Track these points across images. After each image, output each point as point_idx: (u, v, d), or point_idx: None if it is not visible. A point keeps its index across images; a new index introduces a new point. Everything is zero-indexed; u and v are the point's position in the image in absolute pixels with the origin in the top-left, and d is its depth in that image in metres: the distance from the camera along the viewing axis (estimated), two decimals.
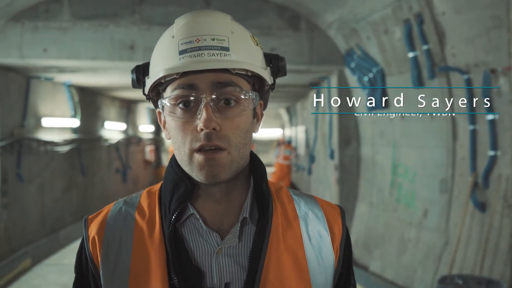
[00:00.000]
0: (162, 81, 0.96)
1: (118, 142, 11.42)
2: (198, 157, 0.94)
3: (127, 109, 12.43)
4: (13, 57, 5.88)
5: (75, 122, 8.58)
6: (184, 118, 0.95)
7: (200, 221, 1.00)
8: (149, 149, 14.42)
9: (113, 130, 11.11)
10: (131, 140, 12.73)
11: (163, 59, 0.97)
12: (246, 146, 1.00)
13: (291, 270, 0.99)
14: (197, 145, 0.94)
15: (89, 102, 9.53)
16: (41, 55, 5.93)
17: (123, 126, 11.89)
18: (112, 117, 11.13)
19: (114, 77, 7.63)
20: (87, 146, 9.39)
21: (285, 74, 1.07)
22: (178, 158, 1.00)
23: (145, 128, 14.28)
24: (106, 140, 10.54)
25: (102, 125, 10.35)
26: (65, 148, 8.22)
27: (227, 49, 0.94)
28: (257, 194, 1.03)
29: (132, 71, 1.05)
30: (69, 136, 8.46)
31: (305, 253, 1.02)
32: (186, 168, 0.98)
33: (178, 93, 0.95)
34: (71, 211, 8.58)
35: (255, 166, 1.06)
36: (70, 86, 8.41)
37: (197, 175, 0.96)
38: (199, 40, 0.94)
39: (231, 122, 0.95)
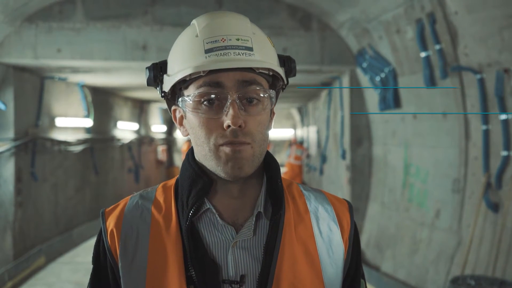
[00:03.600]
0: (187, 78, 0.99)
1: (131, 142, 11.50)
2: (225, 148, 0.98)
3: (140, 109, 12.51)
4: (28, 58, 5.96)
5: (88, 122, 8.66)
6: (208, 115, 0.98)
7: (216, 215, 1.03)
8: (161, 149, 14.49)
9: (125, 130, 11.20)
10: (144, 140, 12.81)
11: (188, 57, 0.99)
12: (265, 143, 1.04)
13: (304, 262, 1.03)
14: (222, 141, 0.98)
15: (102, 102, 9.61)
16: (55, 56, 6.00)
17: (135, 126, 11.97)
18: (125, 117, 11.21)
19: (127, 77, 7.69)
20: (100, 146, 9.47)
21: (295, 75, 1.11)
22: (201, 154, 1.03)
23: (158, 128, 14.37)
24: (118, 140, 10.63)
25: (115, 125, 10.43)
26: (78, 148, 8.30)
27: (251, 49, 0.98)
28: (271, 189, 1.07)
29: (149, 69, 1.07)
30: (82, 135, 8.55)
31: (316, 246, 1.06)
32: (210, 163, 1.01)
33: (204, 90, 0.98)
34: (84, 210, 8.66)
35: (268, 162, 1.11)
36: (83, 86, 8.49)
37: (223, 169, 1.00)
38: (225, 40, 0.97)
39: (254, 119, 0.99)
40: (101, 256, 1.08)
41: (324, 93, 9.64)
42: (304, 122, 14.67)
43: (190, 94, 0.99)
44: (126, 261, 1.02)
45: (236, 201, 1.06)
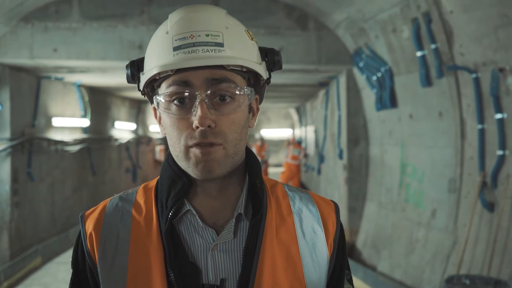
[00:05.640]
0: (157, 77, 0.96)
1: (128, 142, 11.49)
2: (194, 151, 0.94)
3: (137, 109, 12.50)
4: (24, 58, 5.95)
5: (85, 122, 8.65)
6: (179, 115, 0.94)
7: (197, 217, 0.99)
8: (159, 149, 14.48)
9: (123, 129, 11.18)
10: (141, 139, 12.80)
11: (157, 55, 0.96)
12: (241, 142, 0.99)
13: (285, 266, 0.99)
14: (192, 142, 0.93)
15: (99, 102, 9.60)
16: (51, 56, 5.99)
17: (133, 126, 11.96)
18: (122, 117, 11.20)
19: (124, 77, 7.63)
20: (97, 146, 9.46)
21: (280, 68, 1.06)
22: (174, 154, 0.99)
23: (155, 128, 14.35)
24: (116, 139, 10.61)
25: (112, 125, 10.42)
26: (75, 148, 8.29)
27: (221, 45, 0.93)
28: (251, 190, 1.03)
29: (127, 67, 1.04)
30: (79, 135, 8.54)
31: (299, 249, 1.01)
32: (182, 163, 0.98)
33: (172, 89, 0.94)
34: (81, 210, 8.51)
35: (250, 162, 1.06)
36: (80, 86, 8.47)
37: (193, 171, 0.96)
38: (193, 36, 0.93)
39: (226, 118, 0.95)
40: (79, 260, 1.05)
41: (321, 93, 9.64)
42: (302, 121, 14.67)
43: (161, 93, 0.96)
44: (106, 265, 0.99)
45: (215, 201, 1.02)
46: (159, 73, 0.95)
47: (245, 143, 1.02)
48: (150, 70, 0.97)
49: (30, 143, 6.70)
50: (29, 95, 6.79)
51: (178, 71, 0.93)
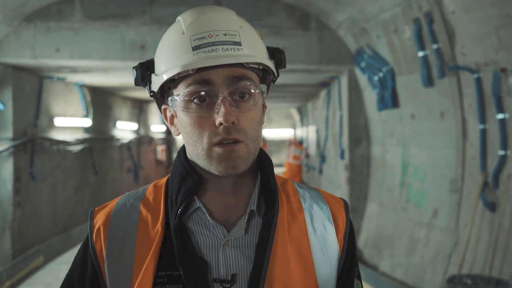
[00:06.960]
0: (176, 77, 0.97)
1: (130, 142, 11.50)
2: (218, 150, 0.96)
3: (139, 109, 12.52)
4: (26, 57, 5.96)
5: (87, 122, 8.67)
6: (200, 114, 0.96)
7: (207, 214, 1.01)
8: (160, 149, 14.49)
9: (125, 129, 11.19)
10: (143, 139, 12.81)
11: (176, 55, 0.97)
12: (259, 139, 1.02)
13: (296, 262, 1.01)
14: (216, 139, 0.96)
15: (101, 102, 9.61)
16: (53, 55, 6.01)
17: (135, 126, 11.97)
18: (124, 117, 11.21)
19: (126, 77, 7.69)
20: (99, 146, 9.47)
21: (285, 67, 1.09)
22: (193, 152, 1.01)
23: (157, 128, 14.36)
24: (118, 139, 10.62)
25: (114, 124, 10.43)
26: (77, 148, 8.30)
27: (239, 43, 0.96)
28: (264, 187, 1.05)
29: (136, 69, 1.05)
30: (81, 135, 8.55)
31: (310, 245, 1.03)
32: (203, 162, 1.00)
33: (194, 88, 0.96)
34: (83, 210, 8.66)
35: (262, 160, 1.08)
36: (82, 86, 8.49)
37: (216, 168, 0.98)
38: (212, 36, 0.95)
39: (246, 115, 0.97)
40: (81, 254, 1.07)
41: (323, 93, 9.65)
42: (303, 121, 14.67)
43: (180, 93, 0.97)
44: (112, 260, 1.01)
45: (229, 198, 1.04)
46: (178, 73, 0.96)
47: (261, 140, 1.04)
48: (168, 70, 0.97)
49: (32, 143, 6.71)
50: (31, 95, 6.80)
51: (198, 70, 0.95)
